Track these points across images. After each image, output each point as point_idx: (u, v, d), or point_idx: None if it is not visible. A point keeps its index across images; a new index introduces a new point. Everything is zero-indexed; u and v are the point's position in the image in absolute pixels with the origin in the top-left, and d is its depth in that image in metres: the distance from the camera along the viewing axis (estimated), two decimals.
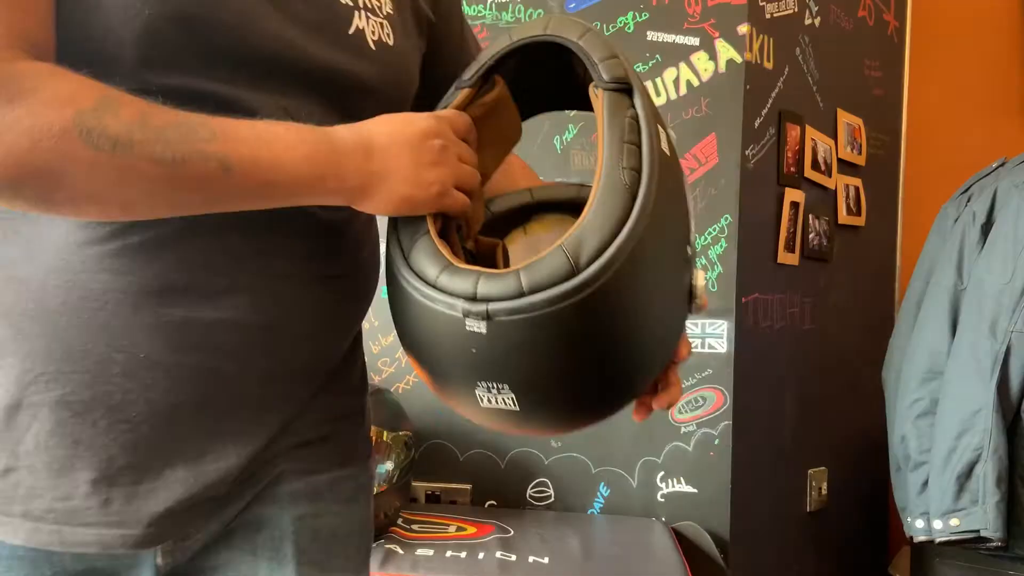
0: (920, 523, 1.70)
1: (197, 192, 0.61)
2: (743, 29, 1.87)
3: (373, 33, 0.76)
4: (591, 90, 0.72)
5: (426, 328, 0.67)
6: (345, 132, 0.67)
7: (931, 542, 1.70)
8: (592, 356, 0.65)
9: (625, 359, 0.68)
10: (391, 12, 0.80)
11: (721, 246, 1.88)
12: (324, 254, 0.76)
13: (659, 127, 0.69)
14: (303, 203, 0.67)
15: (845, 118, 2.21)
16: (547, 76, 0.79)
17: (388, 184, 0.67)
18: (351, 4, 0.75)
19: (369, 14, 0.76)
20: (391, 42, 0.78)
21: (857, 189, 2.27)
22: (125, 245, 0.66)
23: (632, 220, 0.62)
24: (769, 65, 1.96)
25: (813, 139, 2.10)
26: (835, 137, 2.18)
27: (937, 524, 1.65)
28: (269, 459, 0.77)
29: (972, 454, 1.60)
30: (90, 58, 0.61)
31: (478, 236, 0.78)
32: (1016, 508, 1.60)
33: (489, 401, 0.67)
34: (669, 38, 1.90)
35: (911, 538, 1.76)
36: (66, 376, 0.66)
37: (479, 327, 0.62)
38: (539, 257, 0.62)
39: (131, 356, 0.67)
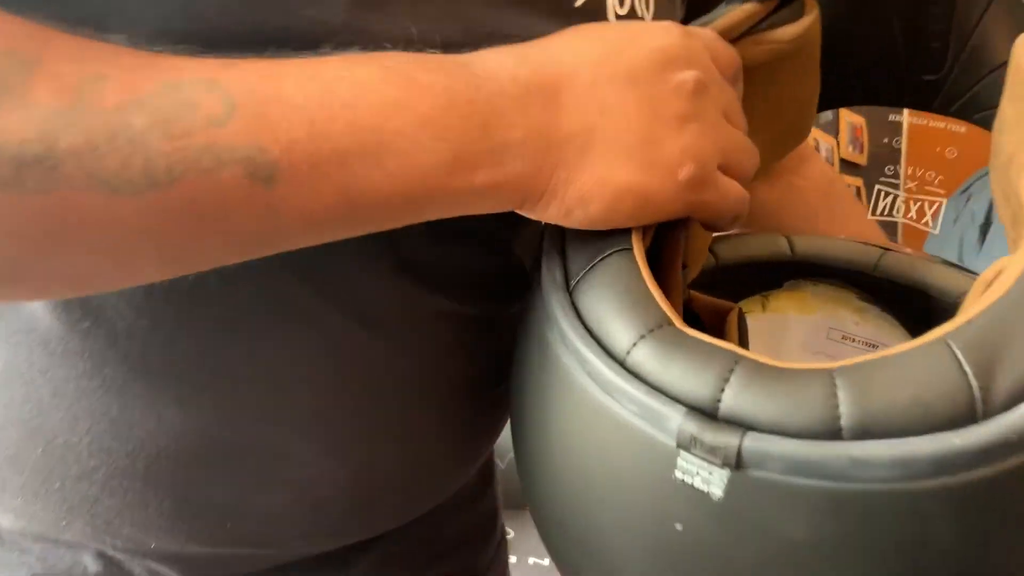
0: None
1: (203, 237, 0.29)
2: None
3: (621, 3, 0.41)
4: (1020, 45, 0.36)
5: (587, 454, 0.31)
6: (504, 60, 0.32)
7: None
8: None
9: None
10: None
11: None
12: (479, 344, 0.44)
13: None
14: (427, 217, 0.32)
15: (847, 117, 2.21)
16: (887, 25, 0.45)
17: (596, 162, 0.31)
18: None
19: None
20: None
21: (858, 189, 2.27)
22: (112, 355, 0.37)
23: None
24: None
25: (815, 138, 2.10)
26: (837, 136, 2.18)
27: None
28: None
29: None
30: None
31: (691, 291, 0.41)
32: None
33: None
34: None
35: None
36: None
37: (708, 480, 0.27)
38: (888, 353, 0.27)
39: (137, 543, 0.41)
